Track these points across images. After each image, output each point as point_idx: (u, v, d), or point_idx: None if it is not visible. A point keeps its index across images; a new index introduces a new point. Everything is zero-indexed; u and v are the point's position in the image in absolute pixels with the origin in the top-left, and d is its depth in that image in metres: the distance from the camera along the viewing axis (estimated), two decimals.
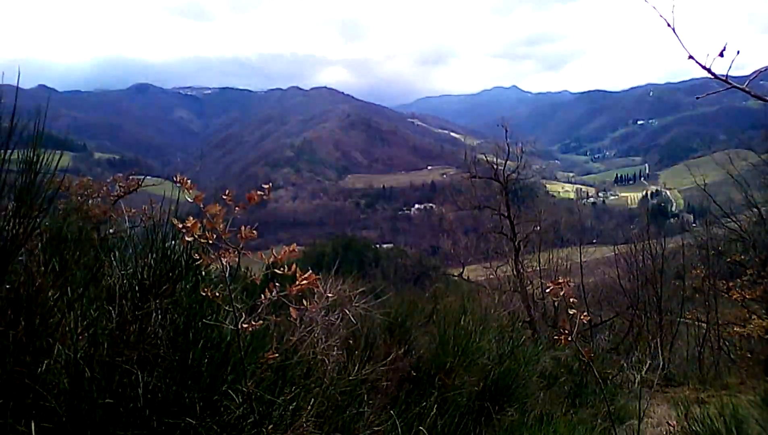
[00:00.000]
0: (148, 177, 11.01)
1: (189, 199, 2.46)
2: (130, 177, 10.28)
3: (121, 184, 10.06)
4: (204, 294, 2.58)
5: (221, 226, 2.38)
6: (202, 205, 2.39)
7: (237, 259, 2.52)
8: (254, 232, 2.45)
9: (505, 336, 5.70)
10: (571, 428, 4.89)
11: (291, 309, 2.61)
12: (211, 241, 2.41)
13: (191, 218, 2.38)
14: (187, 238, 2.40)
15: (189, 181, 2.46)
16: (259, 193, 2.46)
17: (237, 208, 2.40)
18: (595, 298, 18.31)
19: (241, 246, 2.45)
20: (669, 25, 2.77)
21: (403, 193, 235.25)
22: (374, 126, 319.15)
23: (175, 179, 2.50)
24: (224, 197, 2.39)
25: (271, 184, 2.63)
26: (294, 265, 2.51)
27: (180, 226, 2.38)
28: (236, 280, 2.91)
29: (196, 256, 2.62)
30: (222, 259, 2.44)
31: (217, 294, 2.56)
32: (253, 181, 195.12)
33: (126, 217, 5.40)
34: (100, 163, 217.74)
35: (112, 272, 3.07)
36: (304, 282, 2.49)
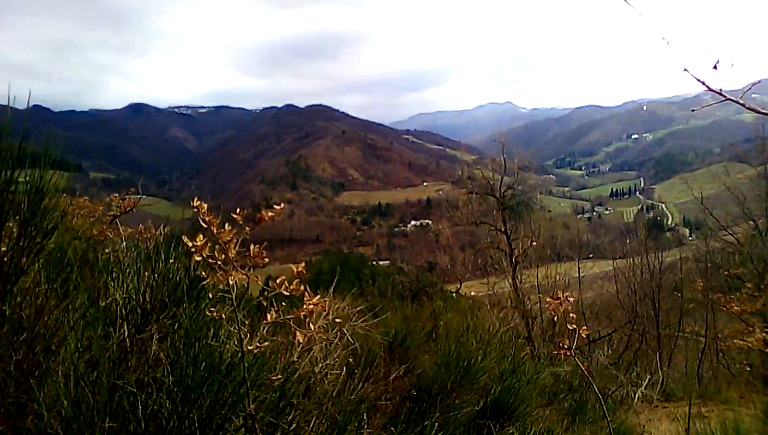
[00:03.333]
0: (144, 196, 10.99)
1: (204, 225, 2.43)
2: (126, 196, 10.28)
3: (117, 204, 10.05)
4: (208, 314, 2.56)
5: (233, 251, 2.37)
6: (216, 230, 2.37)
7: (246, 279, 2.50)
8: (264, 253, 2.44)
9: (505, 354, 5.69)
10: None
11: (297, 332, 2.59)
12: (219, 263, 2.40)
13: (201, 237, 2.37)
14: (196, 258, 2.38)
15: (205, 205, 2.45)
16: (270, 214, 2.45)
17: (246, 229, 2.39)
18: (594, 313, 18.28)
19: (250, 267, 2.44)
20: (663, 39, 2.79)
21: (399, 210, 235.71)
22: (370, 143, 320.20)
23: (191, 204, 2.48)
24: (235, 216, 2.38)
25: (282, 205, 2.61)
26: (302, 287, 2.49)
27: (190, 244, 2.37)
28: (239, 301, 2.90)
29: (203, 275, 2.60)
30: (230, 279, 2.43)
31: (223, 315, 2.54)
32: (249, 199, 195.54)
33: (123, 238, 5.39)
34: (96, 182, 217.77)
35: (113, 294, 3.06)
36: (311, 306, 2.47)
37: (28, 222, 2.53)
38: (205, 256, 2.37)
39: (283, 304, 2.55)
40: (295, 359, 3.81)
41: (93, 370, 2.67)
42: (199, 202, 2.43)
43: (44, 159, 2.58)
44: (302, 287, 2.47)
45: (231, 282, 2.42)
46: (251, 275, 2.59)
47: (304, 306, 2.47)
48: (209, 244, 2.38)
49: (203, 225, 2.43)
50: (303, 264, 2.51)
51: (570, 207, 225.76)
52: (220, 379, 2.76)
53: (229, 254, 2.35)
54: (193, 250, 2.37)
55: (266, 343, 2.60)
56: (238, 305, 2.63)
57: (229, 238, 2.35)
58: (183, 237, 2.40)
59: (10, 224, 2.55)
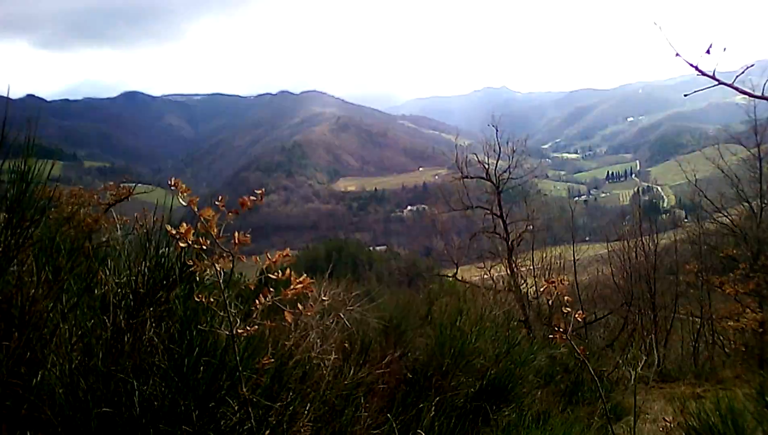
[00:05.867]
0: (139, 184, 10.98)
1: (183, 203, 2.43)
2: (121, 185, 10.26)
3: (112, 192, 10.04)
4: (198, 300, 2.56)
5: (215, 230, 2.37)
6: (196, 209, 2.37)
7: (231, 265, 2.50)
8: (248, 237, 2.44)
9: (500, 336, 5.71)
10: (567, 426, 4.89)
11: (286, 313, 2.59)
12: (205, 247, 2.40)
13: (185, 224, 2.37)
14: (181, 244, 2.38)
15: (184, 185, 2.45)
16: (251, 198, 2.44)
17: (230, 214, 2.38)
18: (590, 295, 18.34)
19: (235, 251, 2.44)
20: (655, 23, 2.78)
21: (395, 195, 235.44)
22: (365, 128, 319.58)
23: (169, 183, 2.48)
24: (217, 203, 2.37)
25: (264, 190, 2.61)
26: (288, 270, 2.49)
27: (174, 232, 2.36)
28: (230, 286, 2.90)
29: (190, 263, 2.60)
30: (216, 264, 2.42)
31: (212, 300, 2.54)
32: (244, 186, 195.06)
33: (118, 226, 5.37)
34: (91, 171, 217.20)
35: (106, 281, 3.05)
36: (299, 286, 2.48)
37: (14, 211, 2.52)
38: (190, 241, 2.37)
39: (272, 289, 2.55)
40: (291, 344, 3.82)
41: (87, 356, 2.67)
42: (176, 180, 2.43)
43: (28, 147, 2.57)
44: (288, 270, 2.47)
45: (218, 267, 2.42)
46: (245, 261, 2.59)
47: (291, 287, 2.47)
48: (193, 231, 2.38)
49: (183, 203, 2.43)
50: (288, 249, 2.50)
51: (566, 190, 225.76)
52: (214, 363, 2.76)
53: (212, 232, 2.35)
54: (177, 236, 2.36)
55: (255, 327, 2.60)
56: (228, 290, 2.63)
57: (209, 216, 2.34)
58: (167, 226, 2.39)
59: None
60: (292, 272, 2.47)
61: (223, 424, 2.82)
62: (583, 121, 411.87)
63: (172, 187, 2.45)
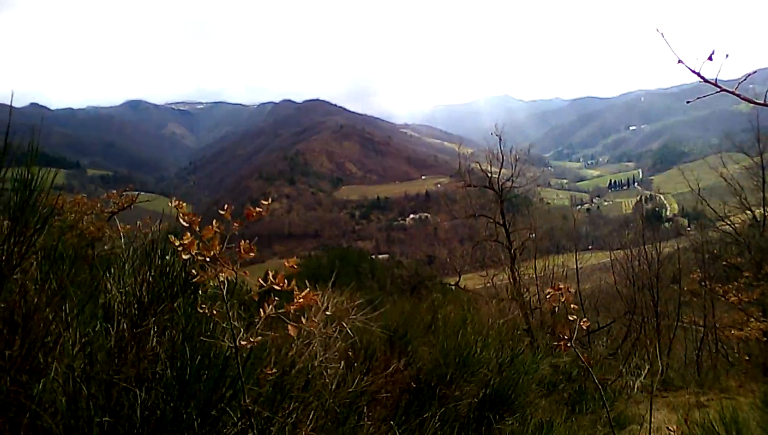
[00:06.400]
0: (142, 193, 11.00)
1: (184, 224, 2.43)
2: (124, 193, 10.28)
3: (115, 200, 10.06)
4: (200, 310, 2.56)
5: (217, 248, 2.36)
6: (198, 229, 2.37)
7: (235, 275, 2.50)
8: (254, 247, 2.43)
9: (504, 345, 5.69)
10: None
11: (289, 326, 2.58)
12: (208, 258, 2.39)
13: (188, 235, 2.36)
14: (183, 256, 2.38)
15: (184, 204, 2.44)
16: (257, 210, 2.44)
17: (235, 225, 2.38)
18: (592, 304, 18.29)
19: (238, 263, 2.43)
20: (658, 30, 2.78)
21: (398, 203, 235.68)
22: (367, 137, 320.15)
23: (170, 201, 2.48)
24: (221, 212, 2.37)
25: (270, 200, 2.60)
26: (293, 282, 2.48)
27: (177, 243, 2.36)
28: (234, 296, 2.90)
29: (194, 273, 2.60)
30: (220, 275, 2.42)
31: (215, 311, 2.54)
32: (247, 194, 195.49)
33: (121, 234, 5.38)
34: (94, 179, 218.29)
35: (109, 290, 3.05)
36: (301, 300, 2.47)
37: (17, 219, 2.52)
38: (193, 253, 2.36)
39: (277, 299, 2.54)
40: (294, 353, 3.81)
41: (90, 365, 2.67)
42: (178, 202, 2.42)
43: (31, 155, 2.57)
44: (293, 282, 2.46)
45: (221, 278, 2.42)
46: (248, 271, 2.58)
47: (295, 300, 2.46)
48: (196, 242, 2.37)
49: (184, 223, 2.42)
50: (294, 258, 2.50)
51: (568, 199, 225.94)
52: (216, 373, 2.76)
53: (214, 250, 2.34)
54: (180, 248, 2.36)
55: (259, 338, 2.59)
56: (232, 300, 2.63)
57: (211, 236, 2.34)
58: (170, 236, 2.39)
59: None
60: (296, 285, 2.47)
61: (225, 434, 2.81)
62: (586, 129, 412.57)
63: (175, 208, 2.45)
